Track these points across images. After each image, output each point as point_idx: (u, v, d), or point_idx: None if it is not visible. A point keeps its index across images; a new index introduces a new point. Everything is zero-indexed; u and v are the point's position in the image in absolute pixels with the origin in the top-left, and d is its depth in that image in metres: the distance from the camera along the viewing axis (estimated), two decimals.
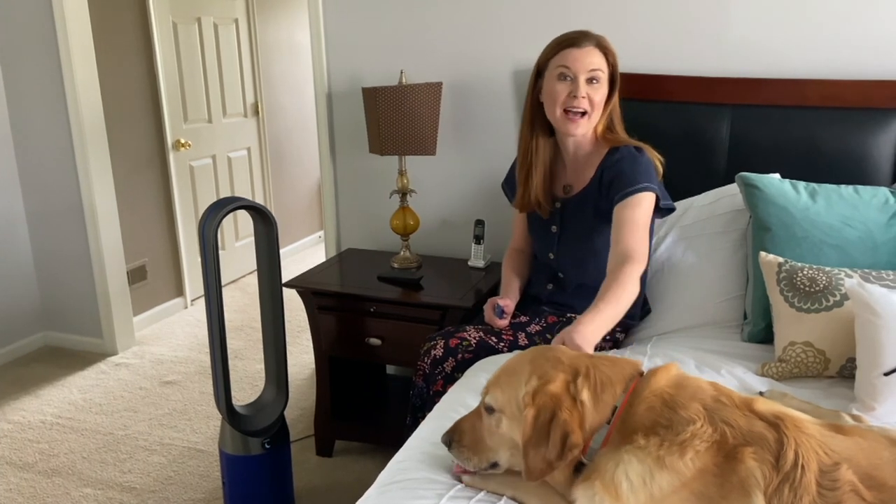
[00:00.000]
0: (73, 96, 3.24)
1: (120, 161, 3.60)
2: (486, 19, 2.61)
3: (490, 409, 1.28)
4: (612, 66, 1.91)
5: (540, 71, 1.96)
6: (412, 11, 2.70)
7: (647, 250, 1.83)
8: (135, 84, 3.71)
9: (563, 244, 2.03)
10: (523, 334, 2.04)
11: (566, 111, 1.89)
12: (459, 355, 1.96)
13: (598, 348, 1.99)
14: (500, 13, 2.59)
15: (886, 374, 1.51)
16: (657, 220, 2.09)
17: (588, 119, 1.90)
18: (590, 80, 1.87)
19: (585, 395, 1.18)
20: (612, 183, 1.88)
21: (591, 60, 1.87)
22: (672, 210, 1.98)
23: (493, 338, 2.00)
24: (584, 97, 1.87)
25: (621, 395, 1.19)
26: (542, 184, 2.02)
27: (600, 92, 1.89)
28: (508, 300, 2.07)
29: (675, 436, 1.10)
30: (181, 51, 4.00)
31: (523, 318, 2.10)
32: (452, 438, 1.33)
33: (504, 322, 2.03)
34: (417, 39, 2.72)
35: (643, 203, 1.85)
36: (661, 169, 1.94)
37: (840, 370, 1.71)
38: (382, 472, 1.42)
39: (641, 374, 1.25)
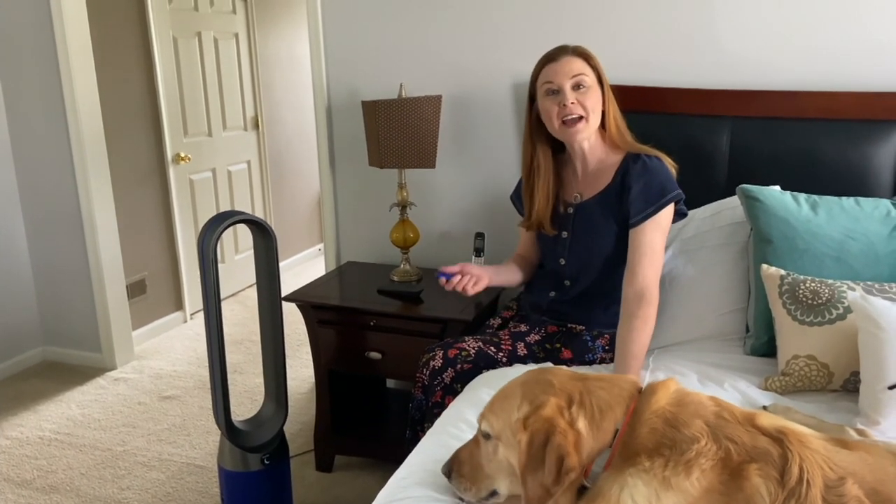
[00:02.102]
0: (73, 110, 3.25)
1: (120, 175, 3.60)
2: (485, 33, 2.62)
3: (486, 436, 1.27)
4: (596, 70, 1.94)
5: (533, 95, 2.00)
6: (412, 25, 2.71)
7: (659, 279, 1.90)
8: (135, 98, 3.71)
9: (574, 250, 2.03)
10: (522, 344, 2.03)
11: (563, 122, 1.92)
12: (458, 366, 1.95)
13: (601, 360, 1.99)
14: (499, 27, 2.60)
15: (891, 388, 1.50)
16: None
17: (587, 123, 1.92)
18: (576, 87, 1.90)
19: (582, 424, 1.17)
20: (639, 195, 1.90)
21: (570, 68, 1.90)
22: (685, 214, 2.00)
23: (493, 348, 1.99)
24: (573, 103, 1.89)
25: (621, 417, 1.17)
26: (545, 200, 2.03)
27: (591, 96, 1.91)
28: (489, 272, 2.07)
29: (679, 455, 1.08)
30: (181, 65, 4.01)
31: (523, 328, 2.09)
32: (451, 468, 1.32)
33: (447, 282, 2.01)
34: (417, 53, 2.72)
35: (664, 221, 1.91)
36: (676, 175, 1.96)
37: (844, 384, 1.70)
38: (383, 490, 1.40)
39: (640, 390, 1.24)
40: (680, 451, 1.09)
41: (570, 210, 2.03)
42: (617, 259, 1.97)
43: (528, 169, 2.05)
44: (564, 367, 1.32)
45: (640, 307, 1.83)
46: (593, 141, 1.98)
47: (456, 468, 1.32)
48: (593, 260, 2.01)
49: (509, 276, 2.17)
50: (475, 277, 2.03)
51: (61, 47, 3.19)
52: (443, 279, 2.02)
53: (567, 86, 1.89)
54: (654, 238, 1.89)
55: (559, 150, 2.06)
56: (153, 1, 3.76)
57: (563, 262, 2.05)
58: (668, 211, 1.91)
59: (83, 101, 3.26)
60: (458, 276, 2.02)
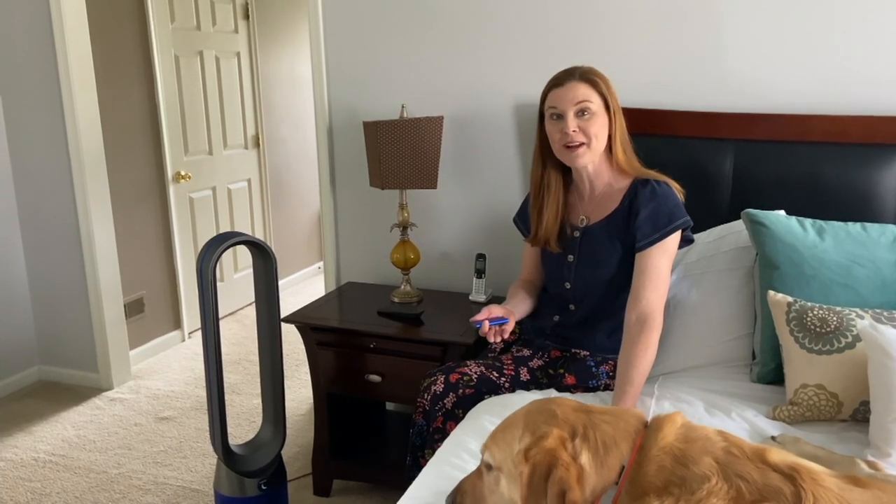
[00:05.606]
0: (74, 127, 3.23)
1: (119, 193, 3.58)
2: (487, 54, 2.61)
3: (489, 467, 1.24)
4: (603, 95, 1.90)
5: (542, 115, 1.98)
6: (413, 45, 2.70)
7: (663, 305, 1.87)
8: (136, 116, 3.70)
9: (580, 273, 2.00)
10: (525, 369, 2.00)
11: (565, 146, 1.90)
12: (460, 391, 1.92)
13: (606, 386, 1.96)
14: (502, 48, 2.59)
15: None
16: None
17: (588, 149, 1.89)
18: (579, 113, 1.87)
19: (585, 459, 1.14)
20: (646, 220, 1.88)
21: (575, 94, 1.87)
22: (691, 241, 1.98)
23: (495, 373, 1.97)
24: (574, 131, 1.87)
25: (627, 454, 1.14)
26: (554, 219, 2.01)
27: (595, 122, 1.88)
28: (509, 308, 2.00)
29: (690, 494, 1.05)
30: (183, 83, 4.00)
31: (526, 352, 2.06)
32: (455, 501, 1.29)
33: (490, 332, 1.92)
34: (419, 73, 2.72)
35: (671, 247, 1.89)
36: (683, 201, 1.94)
37: (853, 413, 1.67)
38: None
39: (646, 424, 1.20)
40: (690, 489, 1.06)
41: (577, 234, 2.01)
42: (622, 283, 1.95)
43: (538, 187, 2.03)
44: (569, 398, 1.29)
45: (641, 332, 1.81)
46: (599, 165, 1.96)
47: (459, 499, 1.29)
48: (599, 283, 1.99)
49: (525, 307, 2.10)
50: (509, 325, 1.97)
51: (62, 65, 3.18)
52: (483, 327, 1.93)
53: (570, 112, 1.87)
54: (660, 263, 1.87)
55: (567, 172, 2.04)
56: (155, 20, 3.76)
57: (568, 285, 2.03)
58: (675, 237, 1.89)
59: (83, 118, 3.25)
60: (488, 322, 1.92)
